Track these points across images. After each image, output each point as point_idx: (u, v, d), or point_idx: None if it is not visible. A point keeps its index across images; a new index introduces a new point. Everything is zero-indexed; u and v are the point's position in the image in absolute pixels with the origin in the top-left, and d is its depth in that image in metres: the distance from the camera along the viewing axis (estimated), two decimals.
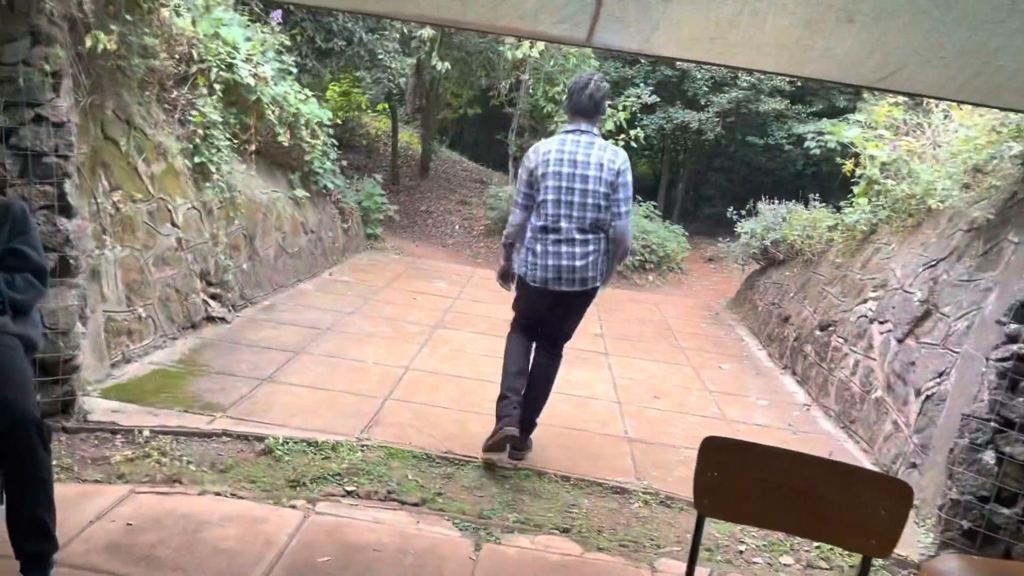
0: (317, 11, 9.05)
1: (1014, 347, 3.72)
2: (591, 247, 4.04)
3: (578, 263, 4.03)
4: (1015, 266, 4.25)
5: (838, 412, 5.73)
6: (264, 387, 4.83)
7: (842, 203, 9.33)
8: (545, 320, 4.32)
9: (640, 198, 14.12)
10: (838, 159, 7.88)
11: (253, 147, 7.09)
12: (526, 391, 4.22)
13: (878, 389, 5.18)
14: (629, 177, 4.04)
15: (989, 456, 3.69)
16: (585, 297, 4.22)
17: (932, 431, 4.40)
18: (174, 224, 5.52)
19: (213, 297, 6.11)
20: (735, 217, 9.73)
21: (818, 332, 6.55)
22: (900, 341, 5.04)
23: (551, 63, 12.90)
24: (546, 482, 4.10)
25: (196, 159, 5.90)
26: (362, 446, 4.13)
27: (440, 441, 4.37)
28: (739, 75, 15.19)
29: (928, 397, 4.55)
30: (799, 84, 15.12)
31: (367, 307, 7.28)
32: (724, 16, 2.86)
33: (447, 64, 11.56)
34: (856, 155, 7.37)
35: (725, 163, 18.40)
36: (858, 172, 7.22)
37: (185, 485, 3.49)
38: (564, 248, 4.02)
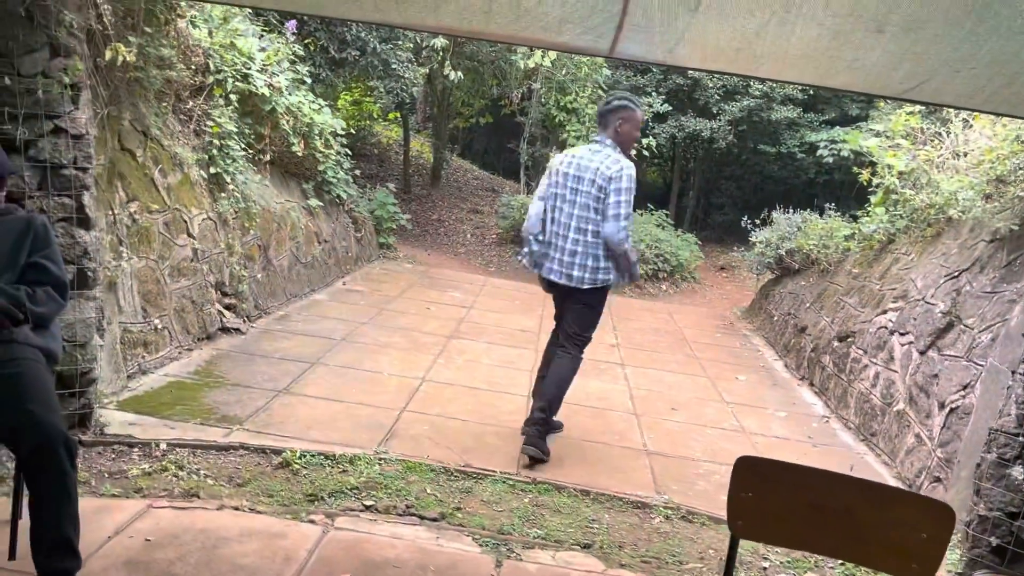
0: (334, 21, 9.06)
1: None
2: (579, 247, 4.39)
3: (566, 259, 4.43)
4: None
5: (858, 424, 5.66)
6: (280, 399, 4.80)
7: (858, 212, 9.28)
8: (561, 316, 4.77)
9: (652, 207, 14.11)
10: (854, 168, 7.81)
11: (267, 157, 7.09)
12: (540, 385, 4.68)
13: (900, 402, 5.12)
14: (623, 184, 4.27)
15: (1018, 472, 3.63)
16: (578, 295, 4.50)
17: (957, 445, 4.34)
18: (190, 235, 5.52)
19: (228, 308, 6.10)
20: (749, 226, 9.68)
21: (836, 343, 6.48)
22: (922, 353, 4.97)
23: (563, 72, 12.91)
24: (565, 496, 4.05)
25: (212, 169, 5.90)
26: (380, 459, 4.10)
27: (458, 454, 4.33)
28: (751, 83, 15.15)
29: (952, 410, 4.48)
30: (811, 92, 15.06)
31: (381, 317, 7.25)
32: (751, 27, 2.82)
33: (459, 73, 11.56)
34: (873, 164, 7.32)
35: (736, 171, 18.35)
36: (875, 181, 7.17)
37: (203, 499, 3.46)
38: (558, 242, 4.45)
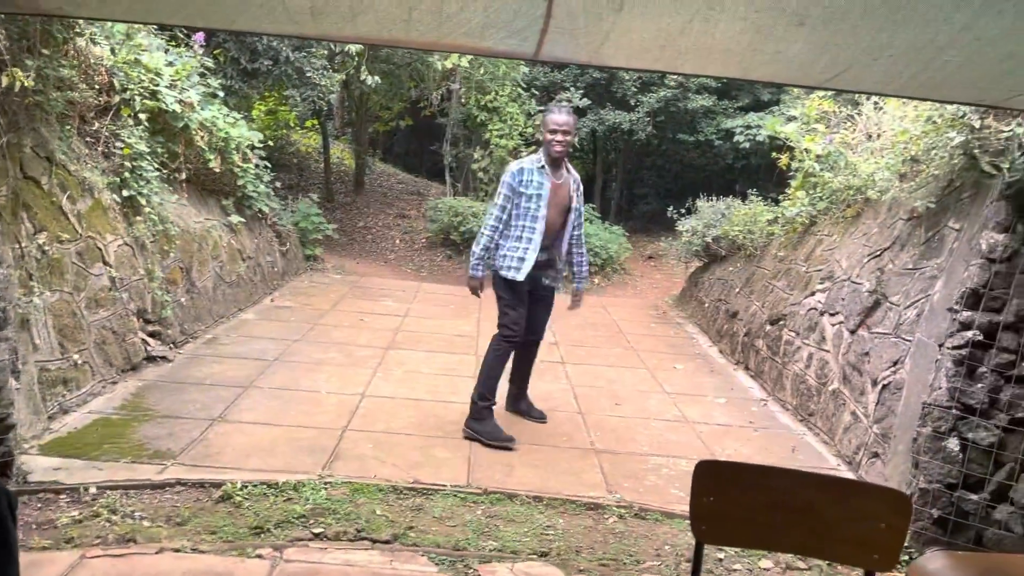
0: (242, 33, 8.80)
1: (968, 334, 3.78)
2: None
3: None
4: (959, 253, 4.33)
5: (795, 405, 5.78)
6: (215, 428, 4.62)
7: (779, 196, 9.50)
8: None
9: None
10: (772, 153, 7.97)
11: (183, 175, 6.83)
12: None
13: (834, 381, 5.25)
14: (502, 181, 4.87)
15: (953, 443, 3.74)
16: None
17: (892, 420, 4.46)
18: (106, 263, 5.27)
19: (152, 335, 5.86)
20: (675, 216, 9.81)
21: (768, 326, 6.61)
22: (852, 332, 5.10)
23: (481, 71, 12.86)
24: (519, 504, 4.01)
25: (124, 193, 5.64)
26: (325, 484, 3.98)
27: (406, 471, 4.24)
28: (667, 75, 15.35)
29: (885, 386, 4.61)
30: (725, 81, 15.36)
31: (314, 332, 7.08)
32: (675, 25, 2.82)
33: (376, 78, 11.39)
34: (791, 148, 7.49)
35: (657, 161, 18.63)
36: (794, 165, 7.34)
37: (140, 544, 3.29)
38: None
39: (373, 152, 16.99)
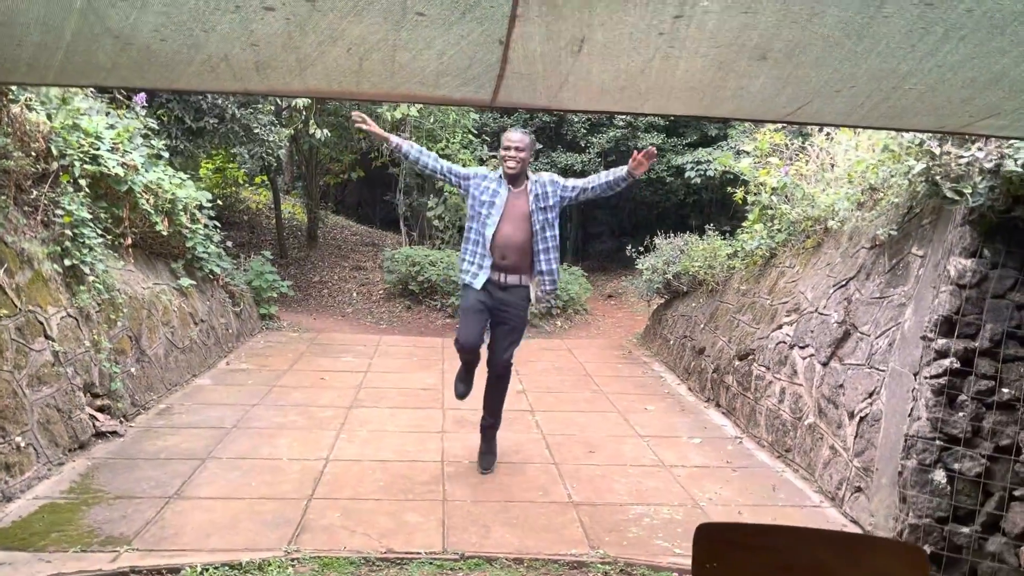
0: (185, 92, 8.64)
1: (945, 362, 3.73)
2: None
3: None
4: (926, 279, 4.31)
5: (771, 442, 5.69)
6: (172, 506, 4.35)
7: (727, 228, 9.56)
8: None
9: None
10: (729, 188, 8.01)
11: (129, 241, 6.59)
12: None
13: (809, 415, 5.17)
14: None
15: (940, 475, 3.66)
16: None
17: (872, 453, 4.38)
18: (48, 337, 4.99)
19: (101, 410, 5.56)
20: (633, 254, 9.78)
21: (737, 362, 6.55)
22: (824, 364, 5.05)
23: (431, 120, 12.83)
24: (498, 568, 3.81)
25: (66, 262, 5.39)
26: (292, 560, 3.74)
27: (377, 540, 4.02)
28: (615, 117, 15.53)
29: (862, 419, 4.54)
30: (673, 118, 15.59)
31: (272, 395, 6.82)
32: (635, 65, 2.75)
33: (325, 131, 11.27)
34: (745, 183, 7.53)
35: (611, 200, 18.73)
36: (750, 199, 7.37)
37: None
38: None
39: (325, 205, 16.81)
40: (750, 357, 6.31)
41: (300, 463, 5.12)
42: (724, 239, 8.89)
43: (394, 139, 4.96)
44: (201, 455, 5.19)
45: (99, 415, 5.49)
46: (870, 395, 4.51)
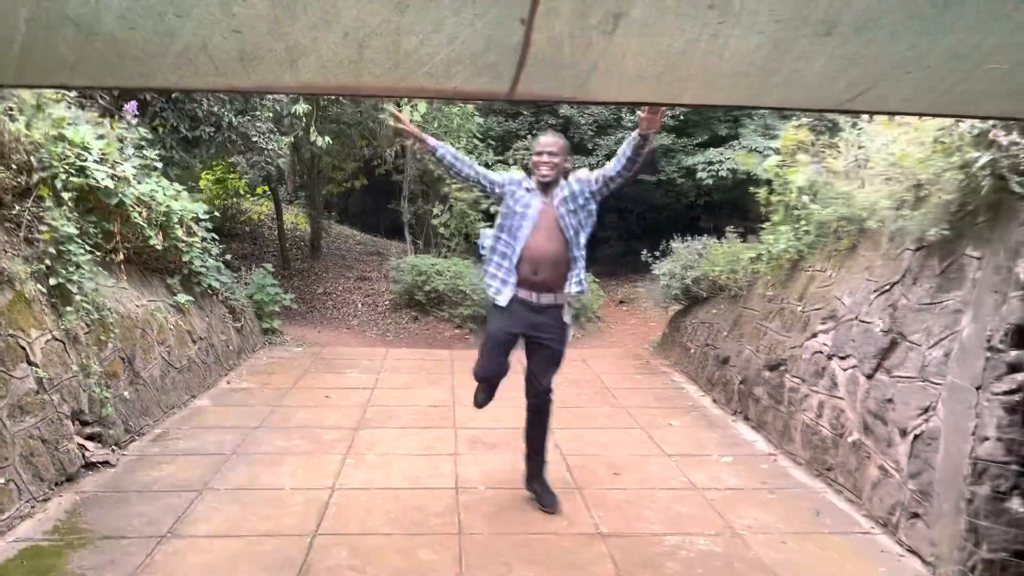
0: (181, 98, 8.29)
1: (1019, 377, 3.35)
2: None
3: None
4: (985, 283, 3.92)
5: (808, 459, 5.30)
6: (165, 547, 3.98)
7: (751, 231, 9.16)
8: None
9: None
10: (750, 188, 7.62)
11: (121, 256, 6.23)
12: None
13: (853, 431, 4.78)
14: None
15: (1017, 504, 3.28)
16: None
17: (930, 475, 3.99)
18: (31, 363, 4.63)
19: (91, 438, 5.20)
20: (649, 259, 9.40)
21: (767, 372, 6.16)
22: (869, 376, 4.65)
23: (435, 125, 12.49)
24: None
25: (52, 281, 5.04)
26: None
27: None
28: (623, 116, 15.17)
29: (917, 437, 4.15)
30: (682, 117, 15.23)
31: (275, 417, 6.45)
32: (677, 46, 2.38)
33: (327, 138, 10.93)
34: (768, 182, 7.15)
35: (619, 204, 18.34)
36: (774, 199, 6.98)
37: None
38: None
39: (329, 215, 16.47)
40: (781, 368, 5.92)
41: (304, 493, 4.75)
42: (743, 241, 8.51)
43: (431, 141, 4.53)
44: (197, 486, 4.82)
45: (89, 444, 5.13)
46: (925, 411, 4.12)
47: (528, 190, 4.34)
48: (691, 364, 8.33)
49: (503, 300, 4.35)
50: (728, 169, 14.14)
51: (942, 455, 3.91)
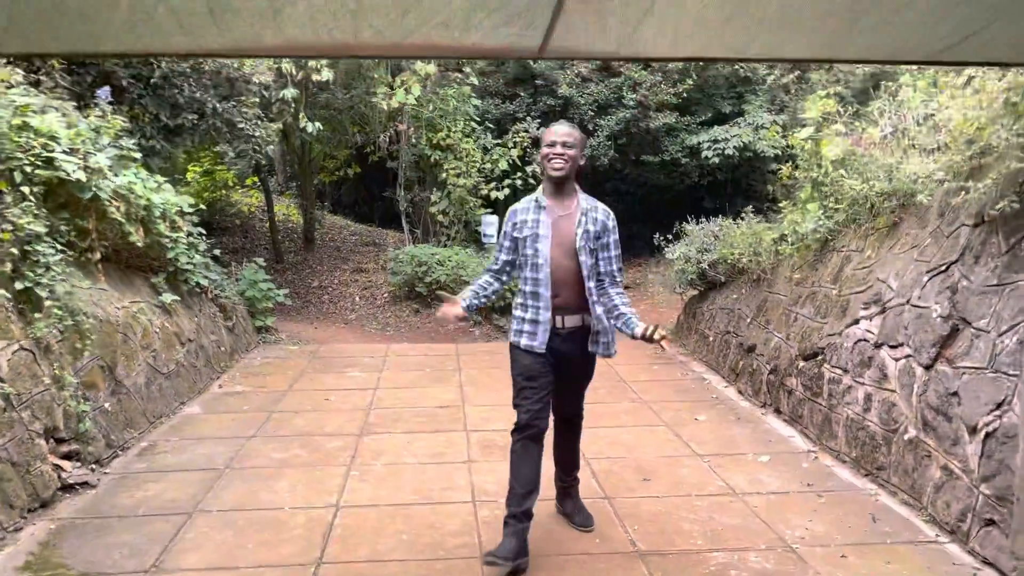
0: (158, 85, 7.76)
1: None
2: None
3: None
4: None
5: (856, 457, 4.85)
6: None
7: (760, 210, 8.71)
8: None
9: None
10: (775, 165, 7.15)
11: (98, 255, 5.75)
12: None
13: (909, 428, 4.33)
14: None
15: None
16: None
17: (1008, 478, 3.54)
18: None
19: (68, 457, 4.73)
20: (662, 243, 8.93)
21: (802, 362, 5.71)
22: (928, 367, 4.20)
23: (431, 108, 11.97)
24: None
25: (18, 285, 4.55)
26: None
27: None
28: (624, 95, 14.65)
29: (989, 435, 3.70)
30: (685, 95, 14.71)
31: (271, 424, 5.99)
32: None
33: (317, 124, 10.41)
34: (793, 157, 6.69)
35: (620, 186, 17.84)
36: (799, 175, 6.52)
37: None
38: None
39: (321, 205, 15.94)
40: (819, 357, 5.47)
41: (305, 513, 4.29)
42: (759, 221, 8.05)
43: (464, 303, 3.83)
44: (187, 508, 4.36)
45: (65, 464, 4.67)
46: (998, 406, 3.67)
47: (531, 207, 3.72)
48: (711, 353, 7.88)
49: (537, 343, 3.67)
50: (734, 147, 13.65)
51: (1022, 455, 3.47)
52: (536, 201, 3.73)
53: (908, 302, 4.52)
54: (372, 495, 4.56)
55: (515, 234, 3.75)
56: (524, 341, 3.71)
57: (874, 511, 4.27)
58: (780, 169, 6.77)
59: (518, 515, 3.62)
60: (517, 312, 3.79)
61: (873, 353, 4.77)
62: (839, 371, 5.16)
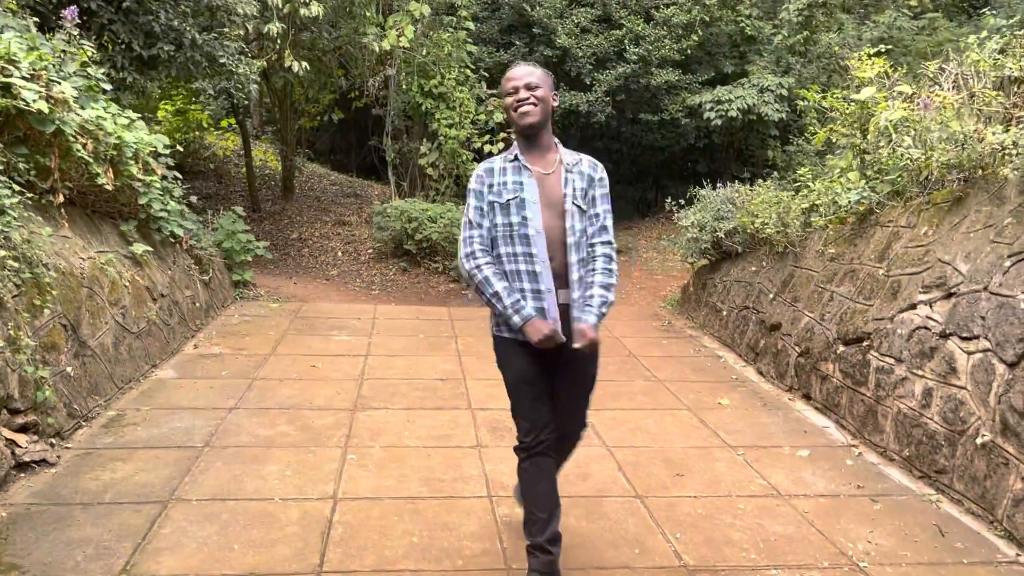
0: (132, 10, 6.96)
1: None
2: None
3: None
4: None
5: (908, 456, 4.41)
6: None
7: (756, 176, 8.19)
8: None
9: None
10: (811, 128, 6.62)
11: (60, 198, 5.07)
12: None
13: (982, 430, 3.87)
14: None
15: None
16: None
17: None
18: None
19: (24, 429, 4.12)
20: (674, 208, 8.38)
21: (842, 347, 5.23)
22: (1013, 365, 3.73)
23: (424, 53, 11.21)
24: None
25: None
26: None
27: None
28: (626, 48, 13.95)
29: None
30: (689, 52, 14.06)
31: (254, 392, 5.41)
32: None
33: (304, 64, 9.63)
34: (830, 120, 6.15)
35: (611, 144, 17.24)
36: (840, 140, 5.99)
37: None
38: None
39: (301, 151, 15.13)
40: (865, 343, 4.99)
41: (299, 506, 3.75)
42: (782, 188, 7.53)
43: (525, 311, 2.95)
44: (162, 495, 3.80)
45: (20, 439, 4.05)
46: None
47: (510, 167, 3.05)
48: (723, 328, 7.40)
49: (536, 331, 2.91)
50: (738, 109, 13.07)
51: None
52: (516, 159, 3.05)
53: (986, 288, 4.03)
54: (374, 485, 4.02)
55: (492, 197, 3.02)
56: (510, 334, 3.03)
57: (939, 522, 3.83)
58: (816, 134, 6.22)
59: (543, 546, 2.98)
60: (508, 302, 2.95)
61: (937, 343, 4.29)
62: (890, 360, 4.68)
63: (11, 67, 4.58)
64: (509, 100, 3.04)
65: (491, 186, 3.04)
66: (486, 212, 3.04)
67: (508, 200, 2.99)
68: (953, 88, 4.93)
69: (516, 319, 2.91)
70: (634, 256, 13.20)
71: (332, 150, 20.75)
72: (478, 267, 2.98)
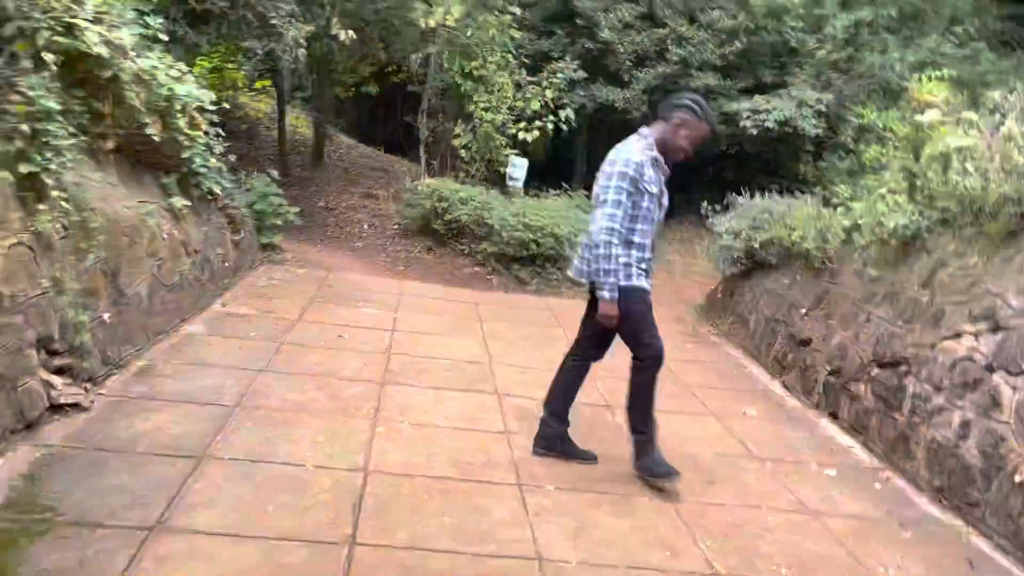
0: None
1: None
2: (584, 236, 4.20)
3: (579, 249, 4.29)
4: None
5: (939, 487, 4.38)
6: (153, 547, 2.96)
7: (786, 188, 8.14)
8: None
9: (567, 186, 12.53)
10: (862, 146, 6.55)
11: (111, 144, 5.06)
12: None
13: (1022, 468, 3.84)
14: (614, 168, 3.92)
15: None
16: (593, 297, 4.21)
17: None
18: None
19: (60, 371, 4.12)
20: (708, 213, 8.34)
21: (876, 369, 5.20)
22: None
23: (468, 33, 11.14)
24: None
25: (23, 168, 3.86)
26: None
27: None
28: (668, 47, 13.85)
29: None
30: (731, 56, 13.95)
31: (282, 357, 5.40)
32: None
33: (351, 33, 9.58)
34: (883, 140, 6.09)
35: None
36: (894, 163, 5.93)
37: None
38: None
39: (335, 121, 15.08)
40: (902, 367, 4.96)
41: (331, 474, 3.74)
42: (828, 206, 7.47)
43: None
44: (195, 450, 3.80)
45: (56, 380, 4.06)
46: None
47: (652, 163, 4.02)
48: (748, 338, 7.37)
49: (648, 283, 4.13)
50: (775, 120, 12.97)
51: None
52: (655, 159, 4.03)
53: None
54: (404, 461, 4.02)
55: (644, 186, 3.91)
56: (641, 281, 4.02)
57: (970, 555, 3.81)
58: (866, 151, 6.17)
59: (653, 432, 4.16)
60: (632, 257, 3.96)
61: (982, 375, 4.25)
62: (929, 387, 4.65)
63: (76, 7, 4.54)
64: (689, 133, 4.05)
65: (643, 176, 3.89)
66: (631, 198, 3.89)
67: (652, 191, 3.94)
68: (1017, 120, 4.87)
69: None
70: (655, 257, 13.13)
71: (359, 123, 20.67)
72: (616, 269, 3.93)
